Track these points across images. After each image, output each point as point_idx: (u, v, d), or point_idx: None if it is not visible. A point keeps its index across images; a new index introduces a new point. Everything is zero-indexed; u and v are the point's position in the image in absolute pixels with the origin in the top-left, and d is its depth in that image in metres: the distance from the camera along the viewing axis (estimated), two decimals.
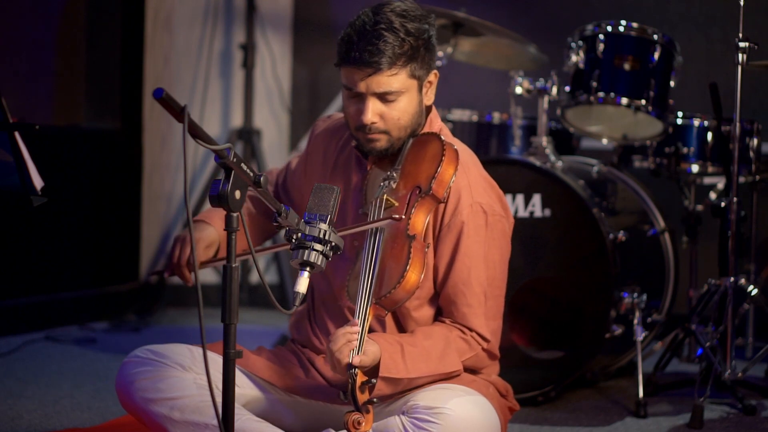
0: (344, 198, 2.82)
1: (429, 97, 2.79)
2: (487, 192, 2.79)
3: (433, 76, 2.78)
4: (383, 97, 2.69)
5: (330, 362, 2.57)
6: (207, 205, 5.17)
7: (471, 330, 2.76)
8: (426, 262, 2.68)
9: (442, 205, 2.74)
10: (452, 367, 2.71)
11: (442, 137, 2.75)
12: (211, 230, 2.86)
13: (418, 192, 2.70)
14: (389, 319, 2.78)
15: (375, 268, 2.63)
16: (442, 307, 2.80)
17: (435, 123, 2.84)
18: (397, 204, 2.69)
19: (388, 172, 2.75)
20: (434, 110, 2.85)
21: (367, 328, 2.58)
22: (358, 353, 2.53)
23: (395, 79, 2.68)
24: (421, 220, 2.70)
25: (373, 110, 2.70)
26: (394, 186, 2.73)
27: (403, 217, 2.67)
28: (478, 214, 2.76)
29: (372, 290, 2.61)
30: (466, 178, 2.76)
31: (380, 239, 2.67)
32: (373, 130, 2.72)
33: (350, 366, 2.52)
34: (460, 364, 2.73)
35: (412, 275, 2.62)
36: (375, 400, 2.56)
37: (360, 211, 2.77)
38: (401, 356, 2.63)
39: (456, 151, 2.73)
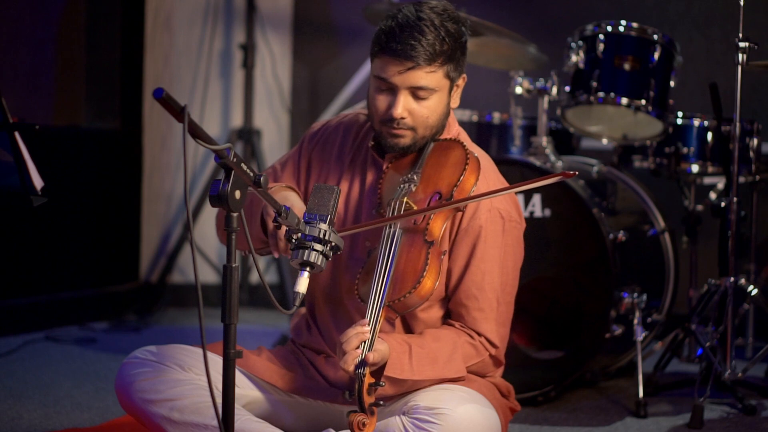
0: (359, 197, 2.82)
1: (455, 100, 2.78)
2: (505, 198, 2.79)
3: (461, 80, 2.78)
4: (416, 93, 2.69)
5: (340, 361, 2.56)
6: (207, 206, 5.18)
7: (480, 335, 2.76)
8: (441, 268, 2.68)
9: (461, 211, 2.74)
10: (457, 372, 2.71)
11: (465, 144, 2.75)
12: (294, 195, 2.78)
13: (438, 198, 2.69)
14: (397, 319, 2.77)
15: (390, 271, 2.61)
16: (452, 311, 2.79)
17: (453, 127, 2.84)
18: (416, 208, 2.68)
19: (408, 175, 2.74)
20: (453, 114, 2.85)
21: (378, 329, 2.57)
22: (369, 350, 2.53)
23: (432, 77, 2.68)
24: (438, 226, 2.69)
25: (404, 105, 2.68)
26: (413, 189, 2.71)
27: (423, 220, 2.66)
28: (496, 220, 2.75)
29: (385, 293, 2.59)
30: (486, 184, 2.75)
31: (397, 242, 2.66)
32: (401, 125, 2.71)
33: (360, 365, 2.51)
34: (464, 369, 2.72)
35: (428, 282, 2.62)
36: (381, 402, 2.55)
37: (374, 211, 2.76)
38: (408, 357, 2.63)
39: (478, 159, 2.73)
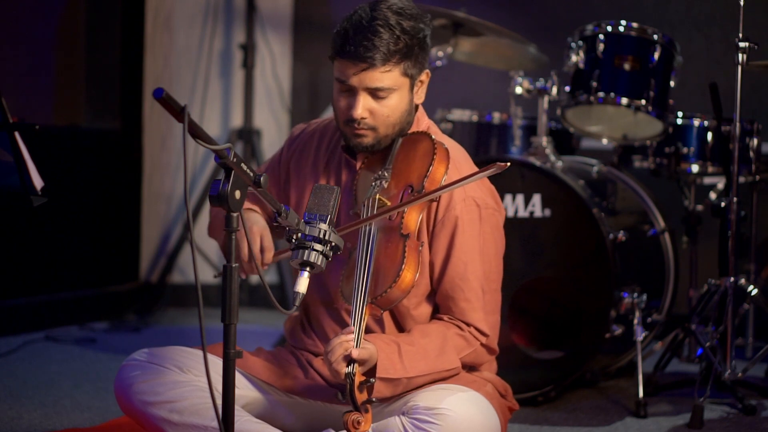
0: None
1: (419, 96, 2.79)
2: (479, 186, 2.79)
3: (425, 76, 2.78)
4: (375, 93, 2.70)
5: (328, 371, 2.57)
6: (207, 205, 5.18)
7: (469, 325, 2.76)
8: (421, 260, 2.69)
9: (435, 202, 2.74)
10: (450, 364, 2.71)
11: (433, 136, 2.75)
12: (257, 216, 2.80)
13: (410, 191, 2.70)
14: (388, 319, 2.78)
15: (369, 268, 2.63)
16: (440, 304, 2.80)
17: (423, 121, 2.85)
18: (389, 203, 2.69)
19: (379, 172, 2.75)
20: (421, 108, 2.85)
21: (363, 328, 2.58)
22: (356, 347, 2.53)
23: (388, 76, 2.68)
24: (414, 219, 2.70)
25: (363, 105, 2.70)
26: (385, 185, 2.72)
27: (397, 215, 2.67)
28: (471, 208, 2.76)
29: (367, 290, 2.60)
30: (458, 174, 2.76)
31: (374, 239, 2.66)
32: (362, 125, 2.72)
33: (348, 363, 2.52)
34: (458, 361, 2.73)
35: (408, 274, 2.63)
36: (374, 399, 2.56)
37: (351, 212, 2.76)
38: (398, 356, 2.63)
39: (446, 149, 2.73)
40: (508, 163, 2.60)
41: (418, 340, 2.69)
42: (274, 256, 2.76)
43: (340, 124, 2.76)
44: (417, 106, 2.82)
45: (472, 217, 2.76)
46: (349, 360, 2.52)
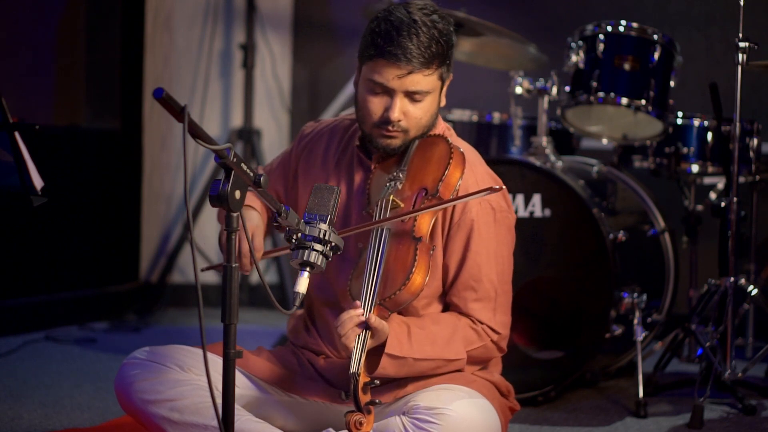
0: (347, 198, 2.82)
1: (443, 99, 2.80)
2: None
3: (448, 79, 2.79)
4: (412, 96, 2.69)
5: (339, 346, 2.57)
6: (207, 205, 5.18)
7: (481, 323, 2.77)
8: (432, 263, 2.69)
9: (449, 206, 2.74)
10: (457, 354, 2.71)
11: (449, 139, 2.75)
12: (254, 214, 2.79)
13: (424, 194, 2.70)
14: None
15: (380, 270, 2.62)
16: (450, 303, 2.80)
17: (439, 124, 2.85)
18: (402, 205, 2.69)
19: (394, 173, 2.74)
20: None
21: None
22: (363, 352, 2.53)
23: (428, 80, 2.68)
24: (426, 222, 2.70)
25: (400, 108, 2.69)
26: (399, 187, 2.72)
27: (409, 218, 2.67)
28: (486, 211, 2.77)
29: (376, 291, 2.60)
30: (474, 176, 2.77)
31: (385, 240, 2.66)
32: (396, 128, 2.71)
33: (356, 365, 2.52)
34: (464, 353, 2.73)
35: (418, 277, 2.63)
36: (377, 401, 2.56)
37: (364, 212, 2.76)
38: (407, 336, 2.63)
39: (463, 154, 2.74)
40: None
41: (428, 326, 2.70)
42: (264, 254, 2.75)
43: (368, 125, 2.74)
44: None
45: (487, 220, 2.77)
46: (365, 326, 2.52)
